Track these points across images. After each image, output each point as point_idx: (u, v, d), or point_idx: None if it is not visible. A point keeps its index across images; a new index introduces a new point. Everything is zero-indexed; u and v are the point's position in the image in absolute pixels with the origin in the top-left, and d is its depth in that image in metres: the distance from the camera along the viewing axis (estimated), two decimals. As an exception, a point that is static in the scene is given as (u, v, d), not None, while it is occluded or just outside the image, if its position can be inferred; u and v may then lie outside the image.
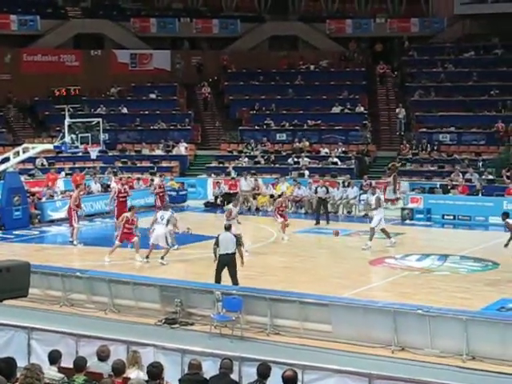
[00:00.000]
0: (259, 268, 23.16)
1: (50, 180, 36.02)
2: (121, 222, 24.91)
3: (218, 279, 19.80)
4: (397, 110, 44.25)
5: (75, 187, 30.64)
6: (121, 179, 31.64)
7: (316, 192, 33.14)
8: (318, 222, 31.78)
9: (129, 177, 35.99)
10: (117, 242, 24.57)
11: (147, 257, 24.03)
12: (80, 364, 10.82)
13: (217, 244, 19.98)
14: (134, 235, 24.57)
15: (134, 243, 24.45)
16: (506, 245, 21.87)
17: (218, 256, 19.84)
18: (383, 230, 26.64)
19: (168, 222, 24.33)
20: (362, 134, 43.82)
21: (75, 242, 27.19)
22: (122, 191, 29.11)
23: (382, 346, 15.81)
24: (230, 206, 25.23)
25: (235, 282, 19.73)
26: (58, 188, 35.42)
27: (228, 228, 20.60)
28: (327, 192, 32.94)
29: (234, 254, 19.88)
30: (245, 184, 35.83)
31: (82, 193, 29.37)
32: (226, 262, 19.80)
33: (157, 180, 33.74)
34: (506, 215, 22.78)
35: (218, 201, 36.87)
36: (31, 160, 38.05)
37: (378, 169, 40.79)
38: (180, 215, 30.17)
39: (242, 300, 16.99)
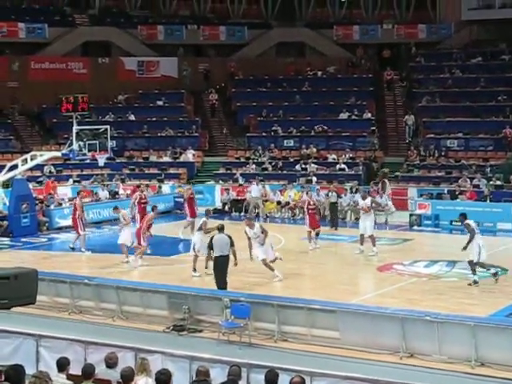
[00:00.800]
0: (267, 274, 23.15)
1: (51, 188, 36.05)
2: (148, 222, 25.20)
3: (224, 283, 19.79)
4: (405, 117, 44.16)
5: (76, 194, 30.18)
6: (139, 186, 31.23)
7: (328, 197, 33.21)
8: (335, 228, 31.89)
9: (141, 185, 35.18)
10: (143, 244, 24.60)
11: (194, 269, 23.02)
12: (88, 371, 10.83)
13: (211, 247, 20.05)
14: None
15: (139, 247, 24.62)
16: (465, 248, 21.71)
17: (212, 259, 19.95)
18: (371, 237, 26.52)
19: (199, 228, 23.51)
20: (369, 140, 43.79)
21: (83, 249, 27.17)
22: (143, 197, 28.69)
23: (390, 352, 15.78)
24: (204, 218, 24.04)
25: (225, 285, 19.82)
26: (57, 195, 35.42)
27: (221, 229, 20.65)
28: (338, 197, 32.95)
29: (228, 255, 20.00)
30: (256, 189, 35.66)
31: (83, 200, 28.99)
32: (223, 264, 19.94)
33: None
34: (463, 216, 22.63)
35: (226, 207, 36.90)
36: (39, 167, 38.17)
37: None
38: (188, 222, 30.23)
39: (250, 307, 16.98)
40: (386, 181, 35.83)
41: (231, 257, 20.46)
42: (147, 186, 36.01)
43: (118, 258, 25.38)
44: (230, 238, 20.41)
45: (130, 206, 29.50)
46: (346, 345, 16.21)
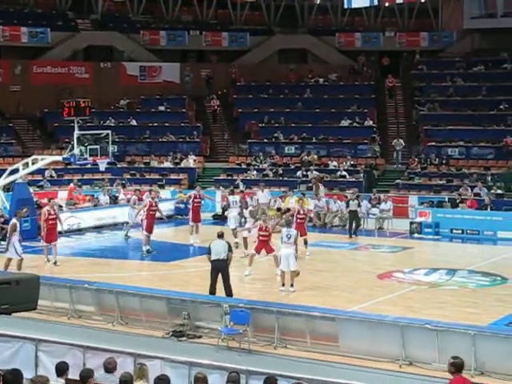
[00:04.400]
0: (267, 281, 23.17)
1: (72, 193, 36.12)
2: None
3: (213, 289, 20.01)
4: (394, 141, 43.08)
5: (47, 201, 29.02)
6: (150, 192, 30.74)
7: (348, 205, 33.15)
8: (351, 236, 31.84)
9: (152, 191, 34.08)
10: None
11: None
12: (86, 376, 10.81)
13: (209, 252, 20.18)
14: None
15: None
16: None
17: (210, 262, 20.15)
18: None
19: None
20: (370, 147, 43.81)
21: (49, 258, 25.91)
22: (154, 204, 28.03)
23: (390, 360, 15.76)
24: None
25: (229, 289, 19.99)
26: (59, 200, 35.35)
27: (221, 235, 20.76)
28: (359, 205, 32.87)
29: (225, 260, 20.15)
30: (262, 196, 35.41)
31: (54, 208, 27.33)
32: (219, 268, 20.03)
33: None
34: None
35: (226, 213, 36.80)
36: (40, 171, 38.15)
37: (386, 182, 40.80)
38: (188, 228, 30.29)
39: (249, 313, 16.97)
40: (320, 185, 37.16)
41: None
42: (150, 191, 35.50)
43: (117, 262, 25.36)
44: (228, 244, 20.51)
45: (137, 211, 29.52)
46: (346, 352, 16.19)
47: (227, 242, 20.69)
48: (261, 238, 23.60)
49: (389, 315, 17.13)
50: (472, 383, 11.98)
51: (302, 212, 27.85)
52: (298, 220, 27.31)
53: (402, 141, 42.58)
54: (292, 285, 21.64)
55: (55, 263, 25.48)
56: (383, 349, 15.95)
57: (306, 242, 27.61)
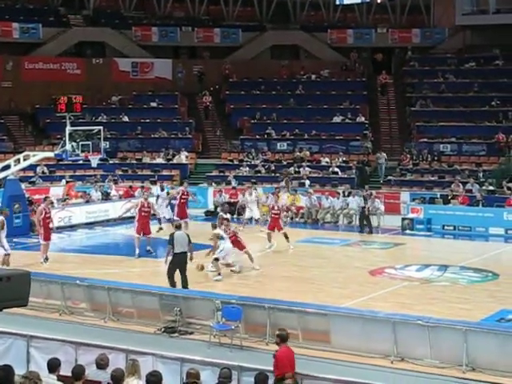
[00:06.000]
0: (259, 277, 23.18)
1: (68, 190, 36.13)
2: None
3: (173, 282, 20.53)
4: (377, 155, 42.15)
5: (43, 200, 28.43)
6: (143, 193, 30.63)
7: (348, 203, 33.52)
8: (369, 232, 31.95)
9: (144, 192, 32.29)
10: None
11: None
12: (78, 372, 10.80)
13: (172, 243, 20.48)
14: None
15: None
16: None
17: (172, 255, 20.65)
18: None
19: None
20: (362, 143, 43.83)
21: (42, 259, 25.42)
22: (146, 205, 27.22)
23: (382, 356, 15.77)
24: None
25: (186, 281, 20.54)
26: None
27: (179, 226, 21.58)
28: (364, 202, 32.78)
29: (186, 252, 20.71)
30: (250, 198, 34.94)
31: (49, 206, 27.42)
32: (182, 261, 20.60)
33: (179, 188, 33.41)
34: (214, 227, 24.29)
35: (219, 210, 36.77)
36: (32, 168, 38.08)
37: (379, 178, 40.81)
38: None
39: (241, 309, 16.97)
40: (288, 179, 37.80)
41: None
42: (142, 187, 35.10)
43: (111, 259, 25.33)
44: (188, 236, 21.09)
45: (127, 208, 29.60)
46: (338, 348, 16.20)
47: (187, 234, 21.33)
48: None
49: (381, 311, 17.15)
50: (292, 352, 13.22)
51: (276, 208, 28.61)
52: (273, 215, 28.22)
53: (384, 154, 41.64)
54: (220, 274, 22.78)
55: (46, 259, 25.39)
56: (375, 345, 15.96)
57: (286, 237, 27.97)
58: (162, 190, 33.71)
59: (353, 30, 50.50)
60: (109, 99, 48.69)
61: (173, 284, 20.52)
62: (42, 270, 22.24)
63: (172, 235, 20.78)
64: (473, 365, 15.04)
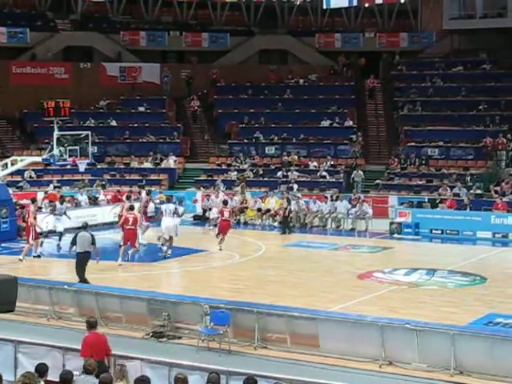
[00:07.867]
0: (247, 282, 23.18)
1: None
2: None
3: (84, 279, 21.10)
4: (353, 173, 41.12)
5: (31, 202, 28.97)
6: (129, 198, 30.22)
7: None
8: None
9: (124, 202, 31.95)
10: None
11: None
12: (66, 378, 10.77)
13: (74, 243, 21.37)
14: None
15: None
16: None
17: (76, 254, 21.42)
18: None
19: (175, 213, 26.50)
20: (350, 147, 43.89)
21: (21, 257, 25.94)
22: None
23: (370, 360, 15.78)
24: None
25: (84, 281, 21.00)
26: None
27: (85, 227, 22.30)
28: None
29: (89, 252, 21.39)
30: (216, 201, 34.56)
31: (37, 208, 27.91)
32: (84, 260, 21.30)
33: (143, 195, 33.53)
34: None
35: (207, 214, 36.74)
36: (19, 172, 37.97)
37: (367, 183, 40.83)
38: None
39: (229, 314, 16.95)
40: (244, 184, 38.06)
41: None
42: (130, 192, 34.85)
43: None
44: (92, 236, 21.61)
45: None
46: (326, 352, 16.20)
47: (91, 234, 21.84)
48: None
49: (369, 315, 17.16)
50: (101, 336, 13.87)
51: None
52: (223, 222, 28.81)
53: (361, 172, 41.01)
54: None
55: (22, 260, 25.77)
56: (363, 349, 15.98)
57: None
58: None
59: (341, 35, 50.54)
60: (97, 104, 48.60)
61: (85, 281, 20.99)
62: (29, 275, 22.22)
63: (75, 235, 21.60)
64: (460, 368, 15.08)
